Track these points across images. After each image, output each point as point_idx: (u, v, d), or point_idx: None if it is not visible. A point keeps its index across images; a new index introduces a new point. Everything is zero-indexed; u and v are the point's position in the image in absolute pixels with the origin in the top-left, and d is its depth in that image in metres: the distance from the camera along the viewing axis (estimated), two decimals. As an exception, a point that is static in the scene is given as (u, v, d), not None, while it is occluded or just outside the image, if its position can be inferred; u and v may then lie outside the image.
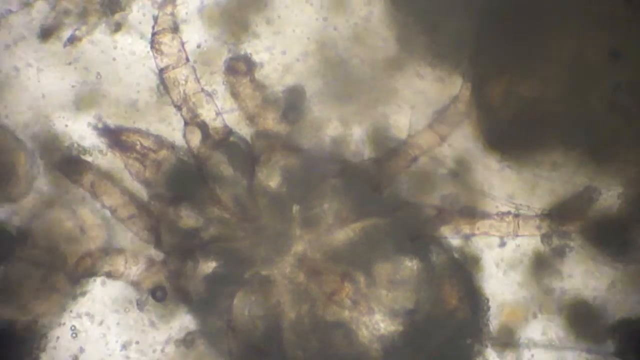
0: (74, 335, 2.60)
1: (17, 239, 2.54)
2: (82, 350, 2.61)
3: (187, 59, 2.58)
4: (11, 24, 2.60)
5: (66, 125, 2.62)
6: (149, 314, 2.59)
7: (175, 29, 2.58)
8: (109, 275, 2.56)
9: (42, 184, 2.59)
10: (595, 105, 2.52)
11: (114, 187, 2.58)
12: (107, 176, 2.60)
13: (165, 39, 2.57)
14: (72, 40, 2.58)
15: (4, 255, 2.52)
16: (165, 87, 2.58)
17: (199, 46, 2.62)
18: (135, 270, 2.56)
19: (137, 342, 2.62)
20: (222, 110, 2.60)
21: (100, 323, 2.61)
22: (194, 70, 2.59)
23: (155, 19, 2.59)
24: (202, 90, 2.59)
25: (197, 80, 2.59)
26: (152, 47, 2.58)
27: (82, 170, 2.57)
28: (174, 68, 2.57)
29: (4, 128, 2.58)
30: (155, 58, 2.57)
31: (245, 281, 2.52)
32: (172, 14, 2.58)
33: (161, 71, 2.58)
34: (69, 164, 2.58)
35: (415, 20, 2.60)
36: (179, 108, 2.58)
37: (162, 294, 2.55)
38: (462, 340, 2.54)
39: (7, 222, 2.56)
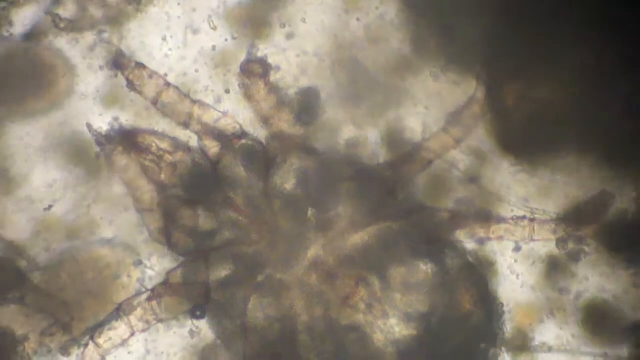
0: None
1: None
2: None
3: (167, 83, 2.56)
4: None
5: None
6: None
7: (138, 63, 2.57)
8: None
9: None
10: (611, 109, 2.52)
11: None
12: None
13: (135, 78, 2.56)
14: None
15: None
16: (165, 115, 2.57)
17: (214, 47, 2.61)
18: None
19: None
20: (234, 111, 2.59)
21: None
22: (178, 89, 2.57)
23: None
24: (196, 102, 2.57)
25: (186, 95, 2.57)
26: (130, 89, 2.57)
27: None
28: (159, 97, 2.56)
29: None
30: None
31: (260, 284, 2.50)
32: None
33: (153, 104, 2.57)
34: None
35: (429, 22, 2.59)
36: (185, 127, 2.57)
37: (202, 313, 2.53)
38: (476, 345, 2.53)
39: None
